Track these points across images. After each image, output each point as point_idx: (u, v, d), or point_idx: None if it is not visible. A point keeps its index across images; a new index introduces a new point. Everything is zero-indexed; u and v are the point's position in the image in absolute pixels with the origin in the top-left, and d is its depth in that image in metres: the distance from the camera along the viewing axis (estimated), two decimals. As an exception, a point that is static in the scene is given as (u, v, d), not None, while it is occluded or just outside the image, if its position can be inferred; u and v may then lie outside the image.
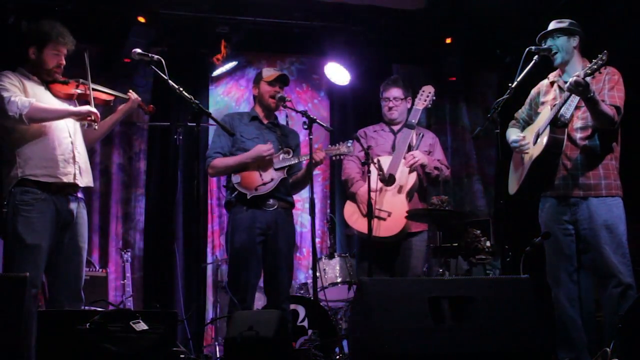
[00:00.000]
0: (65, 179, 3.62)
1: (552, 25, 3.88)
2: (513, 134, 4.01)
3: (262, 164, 4.18)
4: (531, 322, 2.92)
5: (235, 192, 4.19)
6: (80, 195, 3.77)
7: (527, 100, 4.10)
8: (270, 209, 4.18)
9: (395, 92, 4.63)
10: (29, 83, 3.66)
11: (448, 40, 6.41)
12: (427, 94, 4.58)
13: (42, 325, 3.00)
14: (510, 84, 3.75)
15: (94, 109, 3.71)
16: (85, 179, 3.77)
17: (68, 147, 3.69)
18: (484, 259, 5.13)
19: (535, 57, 3.77)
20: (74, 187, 3.69)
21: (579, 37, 3.85)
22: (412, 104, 4.62)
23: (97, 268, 5.75)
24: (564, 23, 3.86)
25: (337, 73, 6.51)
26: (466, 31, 6.37)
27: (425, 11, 6.18)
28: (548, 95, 3.95)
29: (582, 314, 3.77)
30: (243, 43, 6.35)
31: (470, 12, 6.12)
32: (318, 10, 6.19)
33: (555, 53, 3.83)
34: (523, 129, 4.09)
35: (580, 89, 3.48)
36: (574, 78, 3.48)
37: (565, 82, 3.78)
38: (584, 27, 3.91)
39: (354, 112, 6.88)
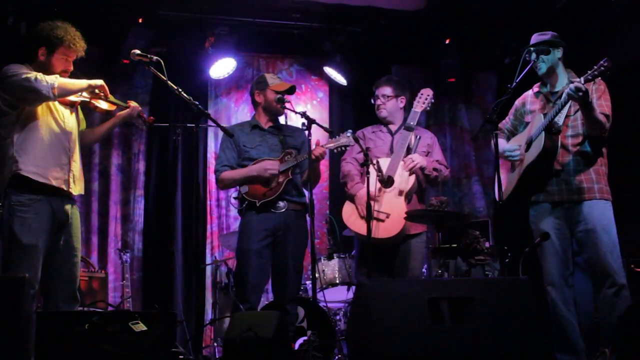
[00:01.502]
0: (55, 183, 3.62)
1: (535, 38, 3.93)
2: (505, 144, 4.06)
3: (265, 179, 4.20)
4: (530, 323, 2.92)
5: (245, 202, 4.26)
6: (73, 197, 3.78)
7: (512, 111, 4.17)
8: (280, 211, 4.21)
9: (384, 90, 4.62)
10: None
11: (447, 41, 6.41)
12: (425, 96, 4.57)
13: (40, 326, 2.99)
14: (509, 85, 3.77)
15: (104, 84, 3.79)
16: (78, 187, 3.77)
17: (66, 154, 3.68)
18: (483, 260, 5.12)
19: (534, 58, 3.79)
20: (66, 191, 3.70)
21: (562, 48, 3.91)
22: (409, 105, 4.61)
23: (96, 269, 5.75)
24: (547, 35, 3.91)
25: (337, 73, 6.51)
26: (465, 32, 6.38)
27: (425, 12, 6.19)
28: (534, 105, 4.02)
29: (578, 316, 3.82)
30: (242, 44, 6.36)
31: (469, 13, 6.12)
32: (317, 11, 6.19)
33: (541, 63, 3.87)
34: (508, 139, 4.16)
35: (580, 94, 3.50)
36: (575, 84, 3.51)
37: (552, 93, 3.90)
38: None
39: (353, 113, 6.89)
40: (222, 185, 4.40)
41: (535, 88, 4.05)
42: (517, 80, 3.76)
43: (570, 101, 3.65)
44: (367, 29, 6.41)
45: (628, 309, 3.43)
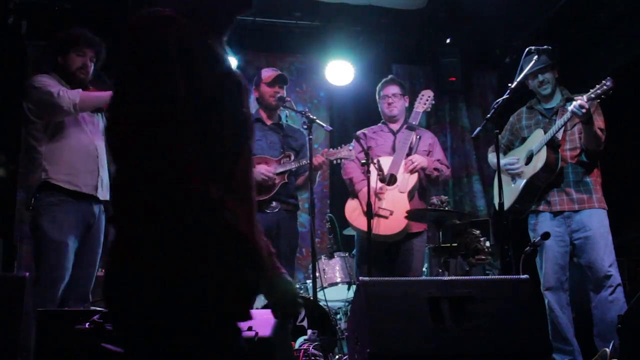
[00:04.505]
0: (85, 190, 3.67)
1: (535, 60, 3.86)
2: (503, 158, 4.18)
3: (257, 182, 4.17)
4: (530, 322, 2.92)
5: None
6: (100, 201, 3.80)
7: (507, 127, 4.34)
8: (273, 212, 4.20)
9: (394, 89, 4.66)
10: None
11: (448, 41, 6.41)
12: (426, 97, 4.62)
13: (41, 325, 2.99)
14: (509, 84, 3.78)
15: None
16: (105, 193, 3.80)
17: (94, 160, 3.73)
18: (483, 259, 5.12)
19: (535, 57, 3.80)
20: (95, 196, 3.73)
21: (557, 68, 4.13)
22: (410, 104, 4.66)
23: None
24: (545, 54, 3.95)
25: (338, 72, 6.51)
26: (466, 31, 6.38)
27: (425, 11, 6.19)
28: (530, 120, 4.21)
29: (577, 316, 4.05)
30: (243, 42, 6.35)
31: (470, 13, 6.12)
32: (318, 9, 6.19)
33: (546, 84, 4.10)
34: (505, 153, 4.31)
35: (583, 111, 3.67)
36: (579, 102, 3.68)
37: (547, 109, 4.12)
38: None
39: (354, 112, 6.87)
40: None
41: (529, 104, 4.24)
42: (518, 80, 3.77)
43: (570, 117, 3.80)
44: (368, 28, 6.41)
45: (628, 308, 3.44)
